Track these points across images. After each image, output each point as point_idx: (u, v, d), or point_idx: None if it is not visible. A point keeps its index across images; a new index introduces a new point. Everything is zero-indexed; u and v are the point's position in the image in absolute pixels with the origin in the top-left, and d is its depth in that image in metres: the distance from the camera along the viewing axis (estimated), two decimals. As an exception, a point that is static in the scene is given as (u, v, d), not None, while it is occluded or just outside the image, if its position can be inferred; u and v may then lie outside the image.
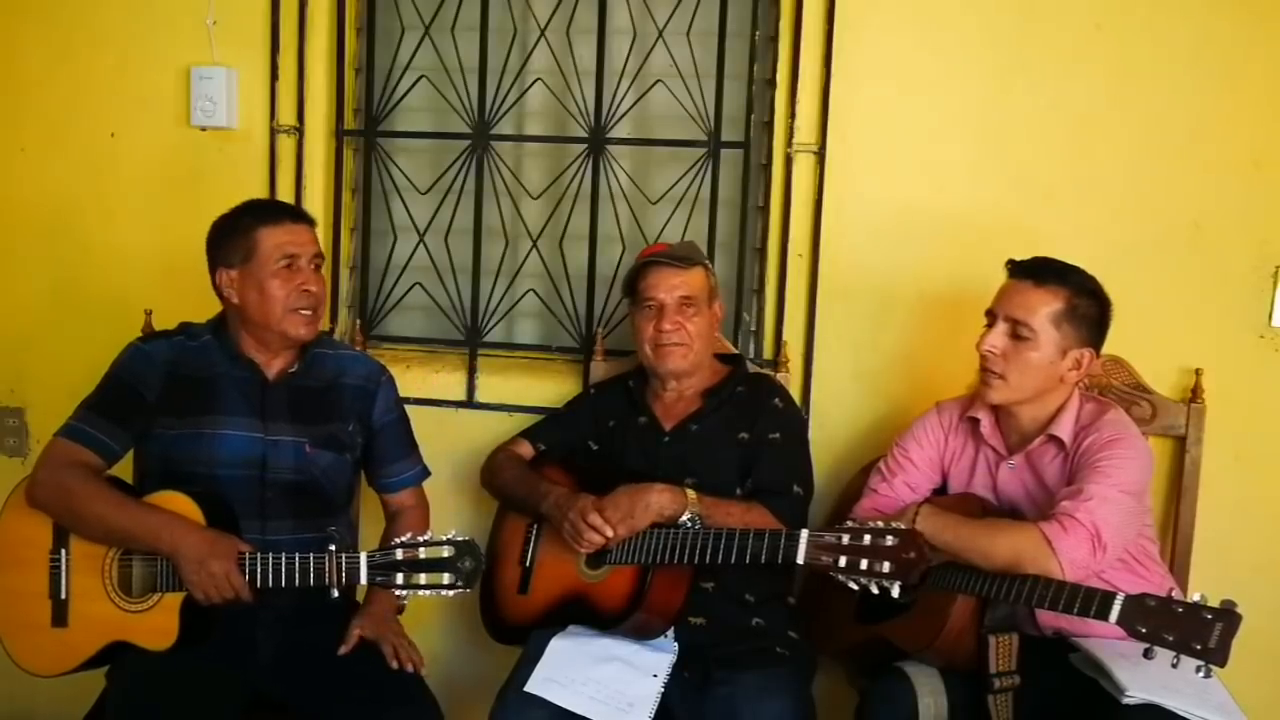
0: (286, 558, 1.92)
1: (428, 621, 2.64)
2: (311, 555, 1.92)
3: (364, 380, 2.22)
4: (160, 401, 2.09)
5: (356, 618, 2.09)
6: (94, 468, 2.04)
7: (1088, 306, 1.99)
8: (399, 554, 1.88)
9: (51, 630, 2.02)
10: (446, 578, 1.87)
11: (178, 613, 1.95)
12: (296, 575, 1.92)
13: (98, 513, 1.97)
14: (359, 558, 1.90)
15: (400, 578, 1.88)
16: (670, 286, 2.21)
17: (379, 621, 2.10)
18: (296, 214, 2.17)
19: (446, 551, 1.87)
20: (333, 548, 1.92)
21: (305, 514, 2.11)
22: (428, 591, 1.88)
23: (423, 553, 1.88)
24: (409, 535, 1.92)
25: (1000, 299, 2.04)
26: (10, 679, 2.12)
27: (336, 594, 1.93)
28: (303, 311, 2.09)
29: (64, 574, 2.03)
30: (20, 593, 2.04)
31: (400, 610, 2.18)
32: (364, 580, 1.91)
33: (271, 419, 2.10)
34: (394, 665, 2.03)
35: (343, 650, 2.04)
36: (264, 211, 2.13)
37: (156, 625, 1.96)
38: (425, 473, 2.32)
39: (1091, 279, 2.02)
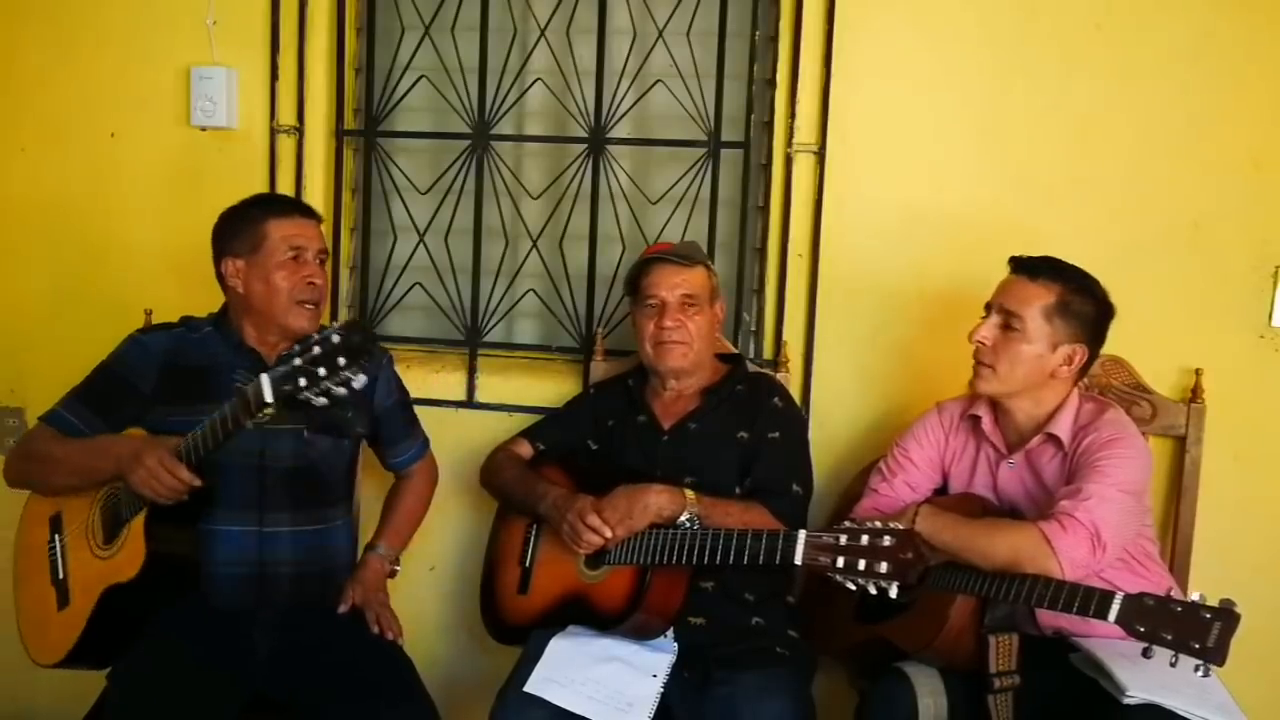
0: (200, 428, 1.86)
1: (428, 621, 2.65)
2: (226, 405, 1.82)
3: None
4: (156, 392, 2.10)
5: (350, 583, 2.15)
6: (53, 433, 2.09)
7: (1081, 304, 2.00)
8: (296, 361, 1.69)
9: (58, 614, 2.05)
10: (344, 360, 1.66)
11: (143, 533, 1.95)
12: (216, 437, 1.84)
13: (59, 456, 2.04)
14: (261, 379, 1.73)
15: (303, 381, 1.68)
16: (672, 285, 2.21)
17: (368, 588, 2.16)
18: (306, 209, 2.20)
19: (336, 337, 1.67)
20: (237, 383, 1.89)
21: (304, 504, 2.12)
22: (341, 388, 1.67)
23: (316, 349, 1.68)
24: (297, 347, 1.72)
25: (996, 292, 2.06)
26: (11, 678, 2.12)
27: (250, 425, 1.80)
28: (306, 305, 2.11)
29: (59, 557, 2.07)
30: (34, 598, 2.10)
31: (392, 575, 2.24)
32: (269, 395, 1.72)
33: None
34: (375, 630, 2.08)
35: (341, 609, 2.10)
36: (275, 204, 2.17)
37: (128, 556, 1.97)
38: (427, 444, 2.39)
39: (1091, 279, 2.02)
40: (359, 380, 1.68)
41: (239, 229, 2.12)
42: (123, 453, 1.93)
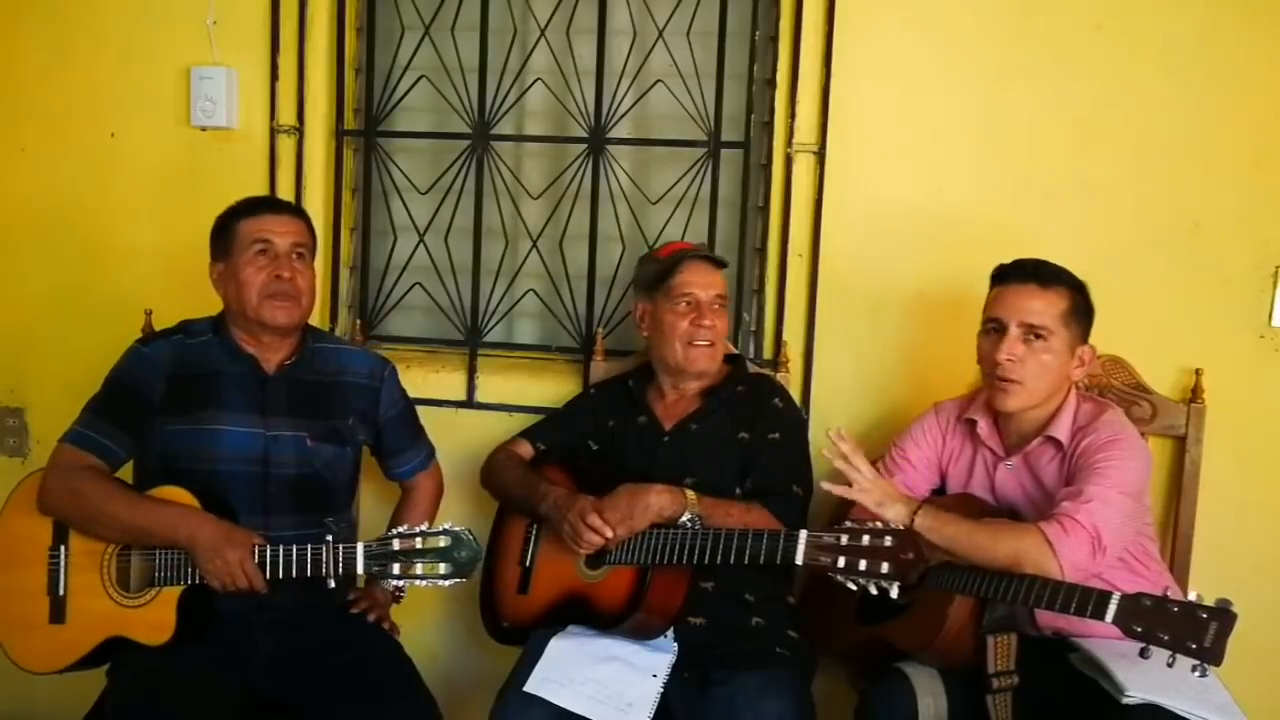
0: (285, 549, 1.94)
1: (428, 621, 2.65)
2: (309, 546, 1.94)
3: (368, 378, 2.24)
4: (163, 401, 2.09)
5: (360, 596, 2.20)
6: (101, 471, 2.05)
7: (1085, 302, 2.02)
8: (396, 544, 1.90)
9: (49, 627, 2.04)
10: (443, 568, 1.88)
11: (175, 607, 1.97)
12: (294, 566, 1.93)
13: (111, 512, 1.99)
14: (355, 548, 1.92)
15: (397, 568, 1.89)
16: (708, 284, 2.22)
17: (376, 602, 2.20)
18: (277, 205, 2.20)
19: (443, 541, 1.89)
20: (329, 538, 1.94)
21: (308, 509, 2.12)
22: (424, 582, 1.89)
23: (419, 543, 1.89)
24: (405, 525, 1.93)
25: (1005, 305, 2.02)
26: (10, 678, 2.12)
27: (333, 584, 1.94)
28: (278, 299, 2.09)
29: (62, 571, 2.04)
30: (17, 591, 2.06)
31: (398, 600, 2.25)
32: (361, 570, 1.93)
33: (272, 413, 2.11)
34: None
35: (354, 610, 2.16)
36: (247, 205, 2.17)
37: (154, 619, 1.97)
38: (432, 454, 2.39)
39: (1074, 274, 2.03)
40: (441, 582, 1.88)
41: (218, 234, 2.15)
42: (200, 535, 1.93)
